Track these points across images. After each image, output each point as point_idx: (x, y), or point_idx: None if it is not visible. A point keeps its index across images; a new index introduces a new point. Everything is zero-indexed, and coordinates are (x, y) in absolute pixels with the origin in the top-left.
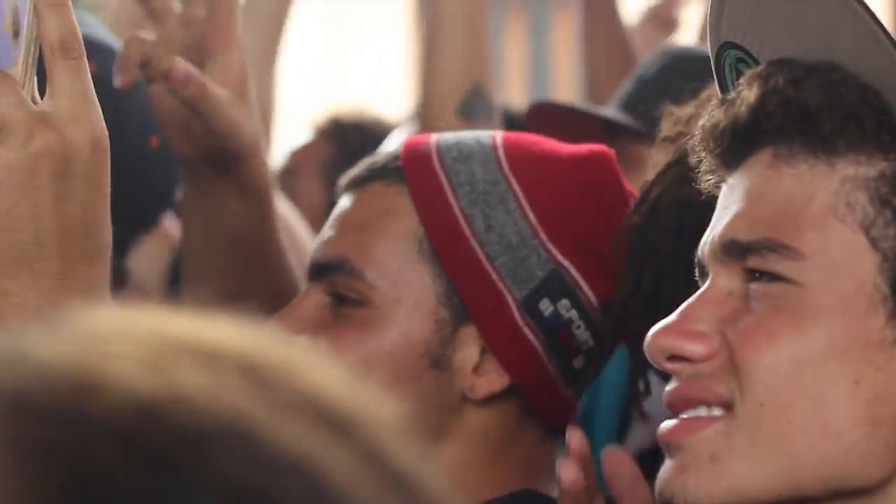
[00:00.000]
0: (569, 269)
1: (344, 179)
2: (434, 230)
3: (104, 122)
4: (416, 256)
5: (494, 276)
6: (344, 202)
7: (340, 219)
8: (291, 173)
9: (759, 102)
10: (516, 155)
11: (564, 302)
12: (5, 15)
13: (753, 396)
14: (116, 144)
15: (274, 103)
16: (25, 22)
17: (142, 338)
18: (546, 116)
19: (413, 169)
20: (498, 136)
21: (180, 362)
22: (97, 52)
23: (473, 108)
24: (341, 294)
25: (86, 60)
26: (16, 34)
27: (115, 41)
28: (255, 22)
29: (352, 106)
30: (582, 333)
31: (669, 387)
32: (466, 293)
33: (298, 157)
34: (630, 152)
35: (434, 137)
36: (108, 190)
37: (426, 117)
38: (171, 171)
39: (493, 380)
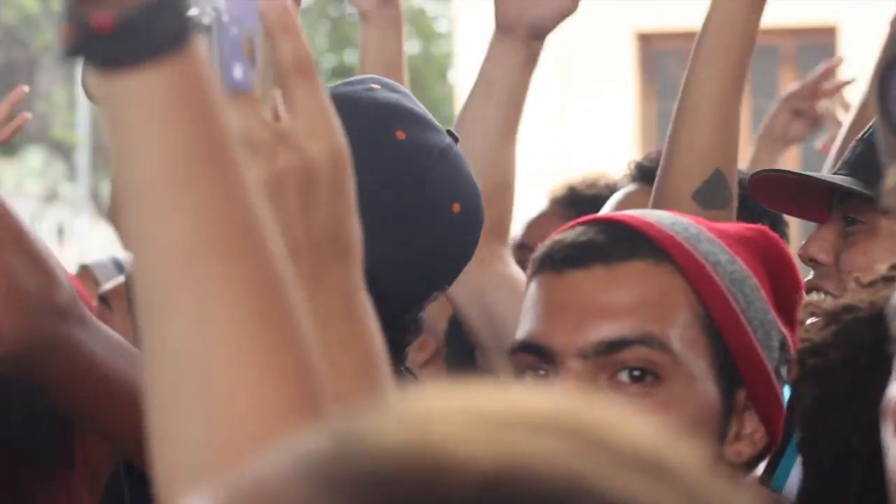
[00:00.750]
0: (787, 338)
1: (579, 252)
2: (715, 308)
3: (342, 133)
4: (699, 331)
5: (759, 350)
6: (592, 280)
7: (605, 295)
8: (525, 248)
9: None
10: (720, 236)
11: (785, 367)
12: (242, 42)
13: None
14: (421, 210)
15: (512, 176)
16: (259, 47)
17: (469, 415)
18: (770, 183)
19: (676, 249)
20: (690, 218)
21: (514, 434)
22: (404, 119)
23: (710, 194)
24: (643, 368)
25: (320, 77)
26: (252, 59)
27: (423, 109)
28: (491, 99)
29: (588, 175)
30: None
31: None
32: (744, 366)
33: (533, 230)
34: (860, 216)
35: (652, 218)
36: (353, 195)
37: (662, 192)
38: (472, 234)
39: (756, 442)
